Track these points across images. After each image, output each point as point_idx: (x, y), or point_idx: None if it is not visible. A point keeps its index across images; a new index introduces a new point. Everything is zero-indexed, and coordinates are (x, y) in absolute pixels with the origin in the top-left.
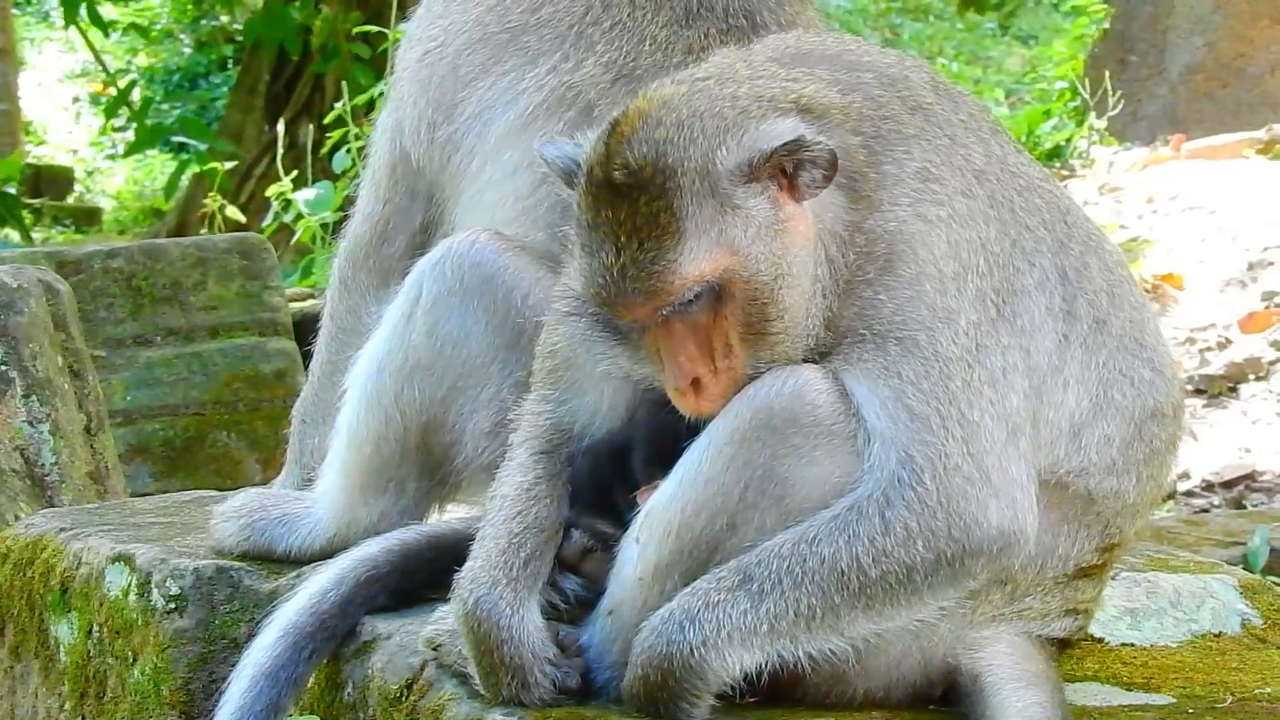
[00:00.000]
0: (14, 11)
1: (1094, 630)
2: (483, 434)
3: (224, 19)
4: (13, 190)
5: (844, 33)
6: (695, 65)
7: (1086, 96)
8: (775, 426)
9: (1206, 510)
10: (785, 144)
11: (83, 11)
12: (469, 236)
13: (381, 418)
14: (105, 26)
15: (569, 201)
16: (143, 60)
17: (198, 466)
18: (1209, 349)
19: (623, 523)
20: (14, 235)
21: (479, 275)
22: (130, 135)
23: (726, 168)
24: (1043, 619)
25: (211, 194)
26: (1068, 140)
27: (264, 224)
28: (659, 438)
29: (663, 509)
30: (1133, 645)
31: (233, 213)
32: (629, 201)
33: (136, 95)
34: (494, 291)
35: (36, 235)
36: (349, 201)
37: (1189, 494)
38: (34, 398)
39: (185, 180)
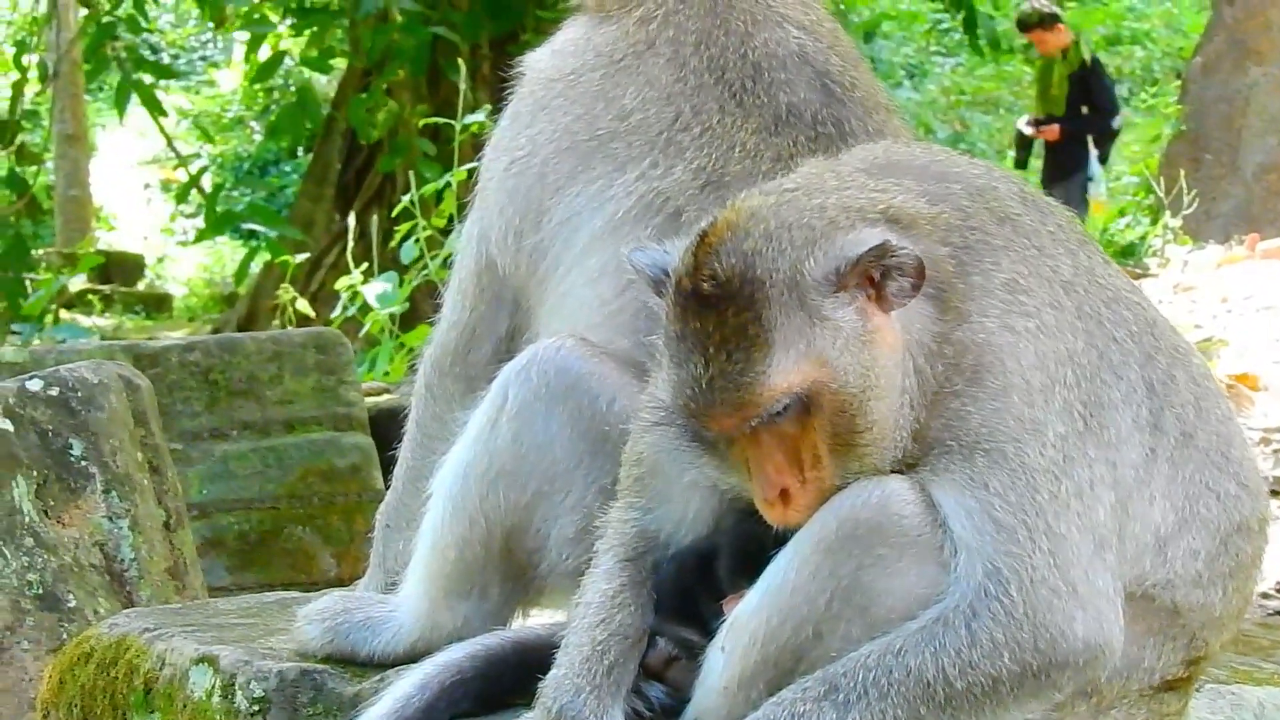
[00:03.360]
0: (85, 98)
1: None
2: (567, 540)
3: None
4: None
5: (931, 143)
6: (784, 173)
7: (1161, 194)
8: (861, 537)
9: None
10: (871, 249)
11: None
12: (554, 342)
13: (466, 523)
14: (160, 109)
15: (654, 308)
16: (214, 147)
17: (272, 560)
18: None
19: (708, 631)
20: (81, 320)
21: (564, 381)
22: (200, 222)
23: (814, 278)
24: None
25: (283, 285)
26: (1142, 238)
27: (333, 315)
28: (745, 546)
29: (748, 618)
30: None
31: (303, 306)
32: (717, 312)
33: (207, 181)
34: (579, 397)
35: (107, 322)
36: (417, 294)
37: (1264, 596)
38: (114, 493)
39: (255, 268)
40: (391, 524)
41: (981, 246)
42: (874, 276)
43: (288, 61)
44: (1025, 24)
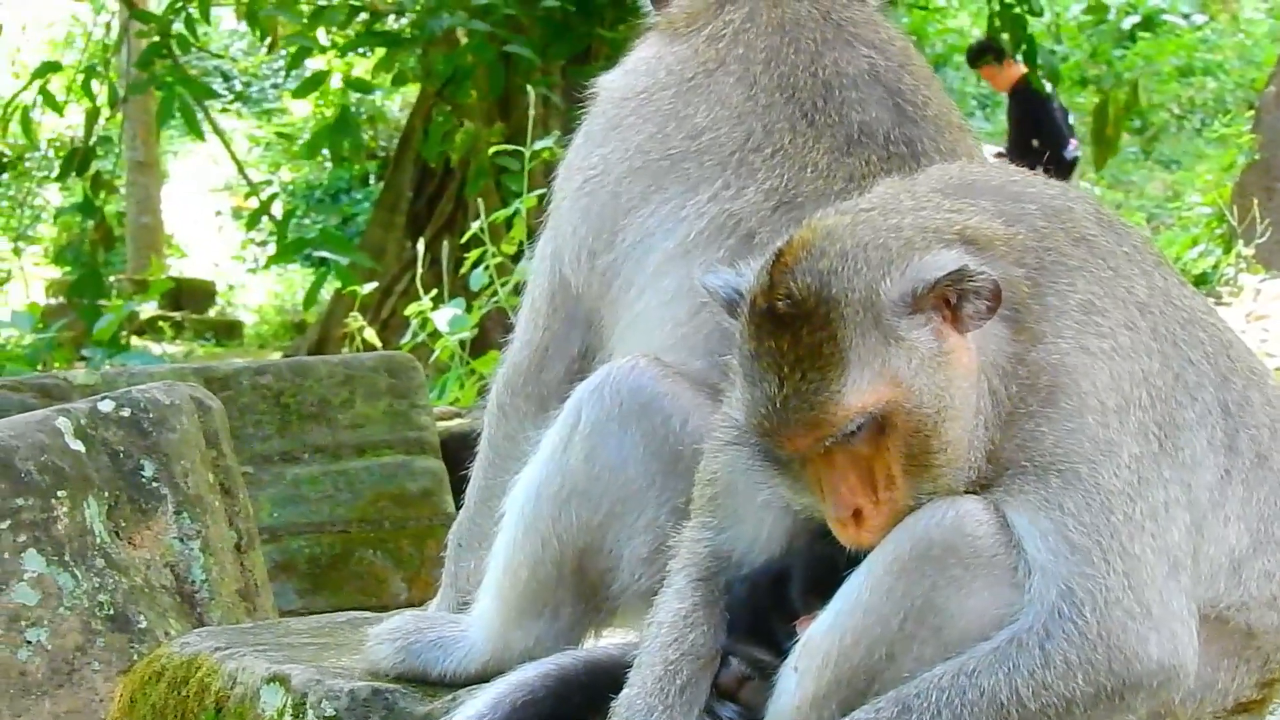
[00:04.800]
0: (171, 128)
1: None
2: (639, 560)
3: (366, 135)
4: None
5: (1006, 164)
6: (856, 193)
7: (1234, 223)
8: (935, 557)
9: None
10: (949, 274)
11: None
12: (628, 362)
13: (538, 542)
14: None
15: (728, 329)
16: (285, 175)
17: (343, 584)
18: None
19: (780, 651)
20: (151, 347)
21: (637, 401)
22: (271, 249)
23: (890, 299)
24: None
25: (352, 314)
26: (1214, 267)
27: (403, 341)
28: (818, 566)
29: (821, 638)
30: None
31: (370, 336)
32: (792, 332)
33: (278, 208)
34: (652, 417)
35: (177, 349)
36: (487, 320)
37: None
38: (185, 515)
39: (327, 295)
40: (464, 543)
41: (1057, 267)
42: (950, 298)
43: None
44: (975, 58)
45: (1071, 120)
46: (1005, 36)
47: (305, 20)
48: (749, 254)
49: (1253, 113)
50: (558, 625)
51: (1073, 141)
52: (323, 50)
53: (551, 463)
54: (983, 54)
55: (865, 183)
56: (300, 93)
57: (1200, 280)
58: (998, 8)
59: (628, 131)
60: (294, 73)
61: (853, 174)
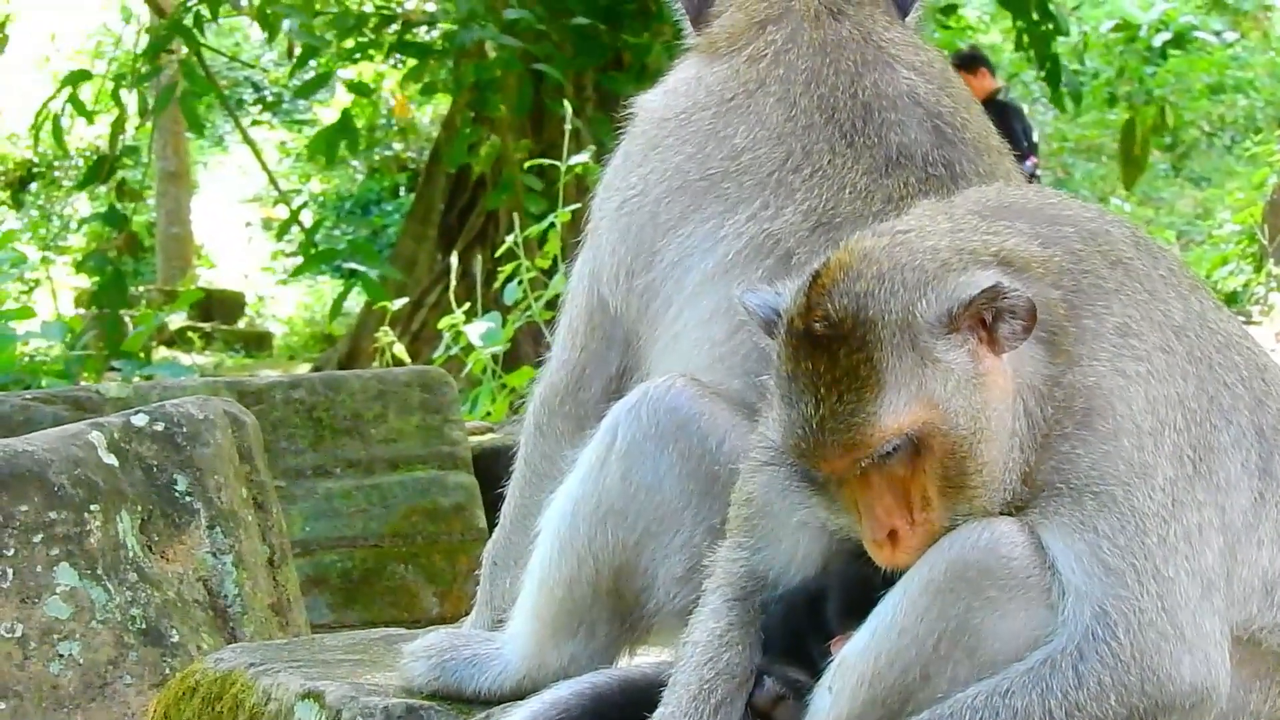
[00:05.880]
0: (187, 135)
1: None
2: (675, 580)
3: (397, 146)
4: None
5: (1044, 187)
6: (895, 214)
7: (1264, 242)
8: (970, 579)
9: None
10: (984, 291)
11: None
12: (665, 382)
13: (574, 561)
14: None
15: (765, 350)
16: (315, 186)
17: (375, 599)
18: None
19: (815, 671)
20: (181, 358)
21: (674, 421)
22: (300, 260)
23: (927, 320)
24: None
25: (382, 329)
26: (1245, 286)
27: (435, 355)
28: (853, 587)
29: (856, 658)
30: None
31: (399, 351)
32: (829, 353)
33: (307, 218)
34: (689, 437)
35: (206, 359)
36: (520, 334)
37: None
38: (218, 529)
39: (357, 308)
40: (499, 561)
41: (1093, 290)
42: (986, 319)
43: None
44: (959, 65)
45: (1035, 138)
46: (1031, 54)
47: (310, 19)
48: (787, 274)
49: None
50: (593, 645)
51: (1032, 159)
52: (351, 58)
53: (588, 482)
54: (954, 64)
55: (904, 204)
56: (303, 93)
57: (1230, 299)
58: (1024, 25)
59: (667, 152)
60: (299, 74)
61: (891, 195)
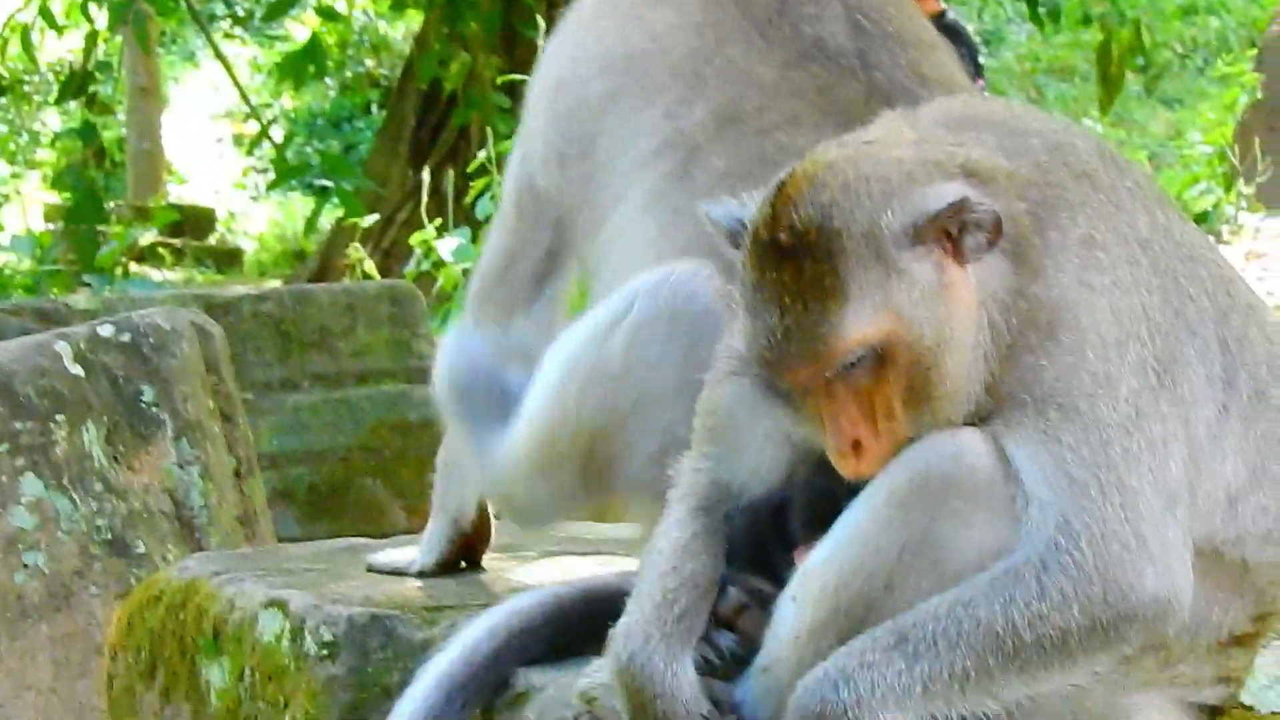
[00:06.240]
0: (158, 50)
1: (1245, 699)
2: (648, 456)
3: (369, 63)
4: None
5: (1010, 99)
6: (804, 109)
7: (1235, 162)
8: (934, 490)
9: None
10: (950, 205)
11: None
12: (691, 269)
13: (559, 412)
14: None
15: (702, 245)
16: (287, 103)
17: (343, 512)
18: None
19: (779, 581)
20: (152, 274)
21: (692, 309)
22: (272, 176)
23: (892, 231)
24: (1194, 686)
25: (353, 245)
26: (1215, 206)
27: (406, 270)
28: (818, 498)
29: (820, 569)
30: None
31: (370, 269)
32: (794, 264)
33: (278, 132)
34: (700, 328)
35: (177, 276)
36: None
37: None
38: (184, 440)
39: (327, 224)
40: (450, 462)
41: (1059, 202)
42: (951, 231)
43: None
44: None
45: (981, 60)
46: None
47: None
48: (696, 169)
49: (1255, 51)
50: (552, 488)
51: (979, 81)
52: None
53: (592, 344)
54: None
55: (814, 98)
56: (271, 14)
57: (1201, 218)
58: None
59: (595, 34)
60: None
61: (799, 89)
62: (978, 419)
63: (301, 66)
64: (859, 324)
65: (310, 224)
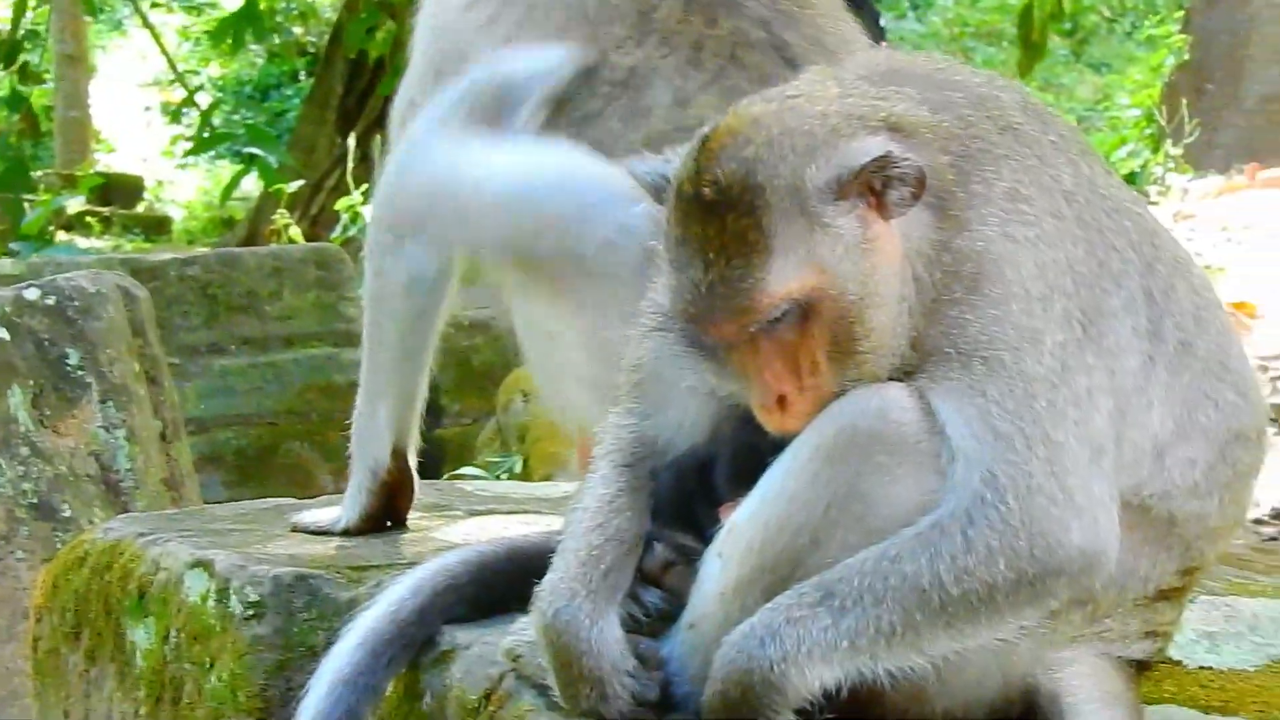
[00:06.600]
0: (85, 18)
1: (1172, 653)
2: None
3: (297, 31)
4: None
5: (934, 53)
6: (660, 51)
7: (1163, 123)
8: (860, 444)
9: (1276, 539)
10: (874, 160)
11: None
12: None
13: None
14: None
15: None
16: (215, 70)
17: (270, 476)
18: None
19: (705, 538)
20: (79, 241)
21: None
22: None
23: (815, 185)
24: (1122, 640)
25: (280, 211)
26: (1143, 167)
27: (332, 236)
28: (743, 453)
29: (746, 524)
30: (1210, 668)
31: (296, 235)
32: (718, 218)
33: (204, 99)
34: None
35: (105, 243)
36: None
37: (1258, 522)
38: (110, 403)
39: (256, 191)
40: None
41: (983, 155)
42: (875, 185)
43: None
44: None
45: (883, 23)
46: None
47: None
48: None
49: (1182, 14)
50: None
51: (883, 45)
52: None
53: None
54: None
55: (671, 38)
56: None
57: (1129, 179)
58: None
59: None
60: None
61: (651, 29)
62: (903, 373)
63: (239, 29)
64: (783, 278)
65: (227, 192)
